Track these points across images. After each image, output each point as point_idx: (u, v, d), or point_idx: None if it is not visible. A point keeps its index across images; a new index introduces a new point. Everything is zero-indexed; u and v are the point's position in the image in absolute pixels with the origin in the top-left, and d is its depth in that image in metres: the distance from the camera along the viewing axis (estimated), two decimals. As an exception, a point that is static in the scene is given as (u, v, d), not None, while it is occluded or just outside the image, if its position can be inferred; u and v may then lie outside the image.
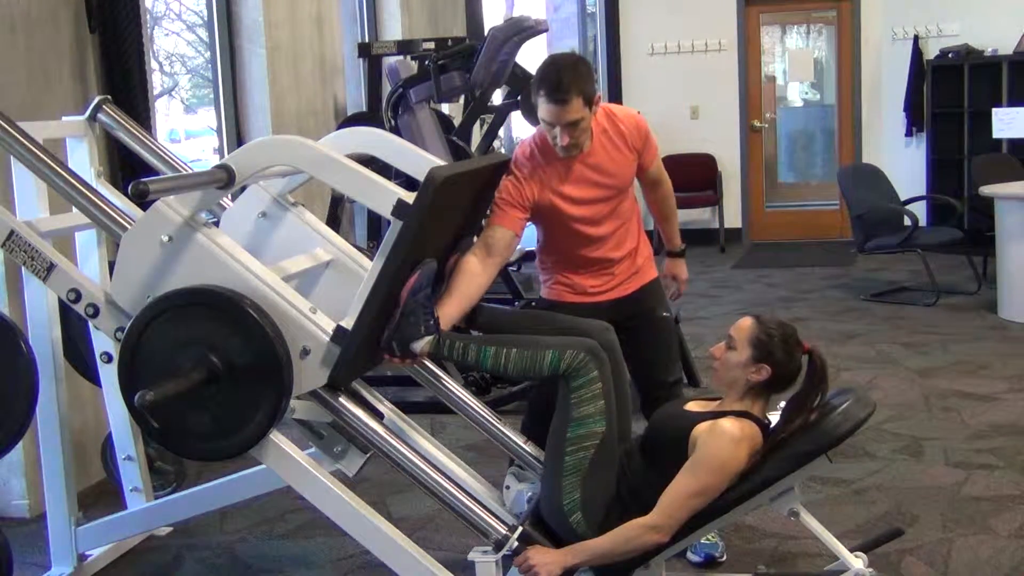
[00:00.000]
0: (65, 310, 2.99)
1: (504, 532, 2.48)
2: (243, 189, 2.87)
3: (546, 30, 5.45)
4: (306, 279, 2.79)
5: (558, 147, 2.91)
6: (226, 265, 2.45)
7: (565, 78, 2.80)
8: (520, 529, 2.51)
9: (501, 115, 6.10)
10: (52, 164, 2.71)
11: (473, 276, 2.79)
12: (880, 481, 3.74)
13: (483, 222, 3.00)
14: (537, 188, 2.95)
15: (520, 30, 5.02)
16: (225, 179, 2.45)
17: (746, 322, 2.57)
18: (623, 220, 3.11)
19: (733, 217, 9.61)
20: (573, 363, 2.52)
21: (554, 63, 2.86)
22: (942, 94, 8.63)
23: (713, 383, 2.66)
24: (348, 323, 2.44)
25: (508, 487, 2.77)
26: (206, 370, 2.38)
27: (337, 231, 3.10)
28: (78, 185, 2.68)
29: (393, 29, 7.58)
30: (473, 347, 2.59)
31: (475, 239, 2.96)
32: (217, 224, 2.82)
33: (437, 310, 2.61)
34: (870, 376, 5.10)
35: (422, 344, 2.55)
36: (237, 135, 5.60)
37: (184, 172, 3.02)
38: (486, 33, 5.18)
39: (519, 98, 5.47)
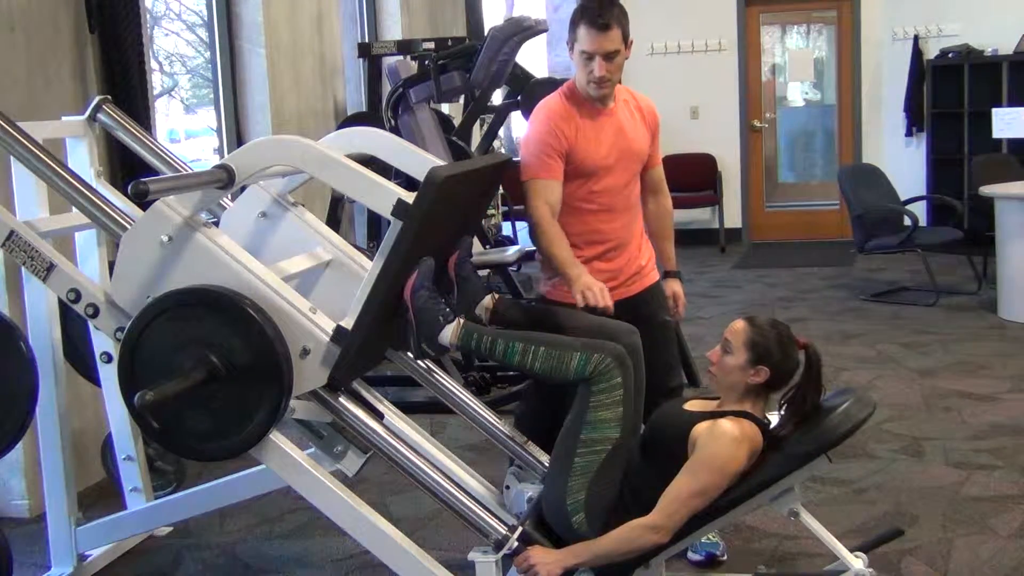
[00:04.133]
0: (65, 310, 2.99)
1: (504, 532, 2.48)
2: (243, 189, 2.87)
3: (546, 30, 5.45)
4: (306, 279, 2.79)
5: (591, 84, 2.94)
6: (226, 265, 2.45)
7: (608, 8, 2.90)
8: (520, 529, 2.51)
9: (501, 115, 6.10)
10: (52, 164, 2.71)
11: (559, 228, 2.94)
12: (880, 481, 3.74)
13: (483, 222, 3.00)
14: (572, 133, 2.97)
15: (520, 30, 5.02)
16: (225, 179, 2.45)
17: (739, 325, 2.57)
18: (632, 204, 3.15)
19: (733, 217, 9.61)
20: (599, 367, 2.48)
21: None
22: (942, 94, 8.63)
23: (711, 387, 2.65)
24: (348, 323, 2.44)
25: (508, 487, 2.77)
26: (206, 370, 2.38)
27: (337, 231, 3.10)
28: (78, 185, 2.68)
29: (393, 29, 7.59)
30: (501, 342, 2.55)
31: (475, 238, 2.96)
32: (217, 224, 2.83)
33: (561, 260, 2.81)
34: (870, 376, 5.10)
35: (448, 334, 2.54)
36: (237, 135, 5.60)
37: (184, 172, 3.02)
38: (486, 33, 5.18)
39: (519, 98, 5.48)
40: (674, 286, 3.34)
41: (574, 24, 2.93)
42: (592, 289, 2.76)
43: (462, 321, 2.56)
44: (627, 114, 3.09)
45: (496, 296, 2.79)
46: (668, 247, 3.34)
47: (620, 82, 3.04)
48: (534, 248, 3.19)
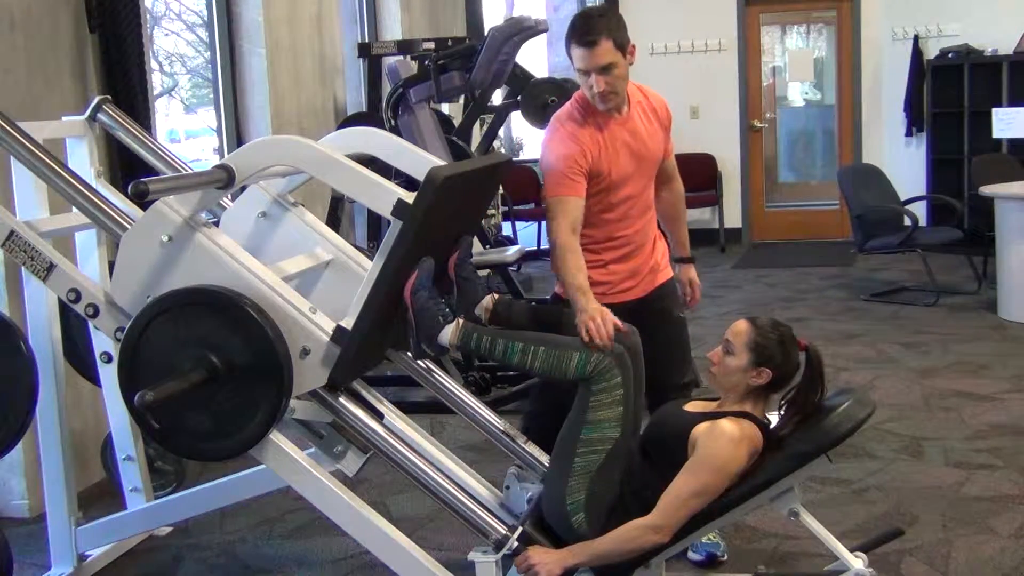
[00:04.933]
0: (65, 310, 2.99)
1: (504, 532, 2.48)
2: (243, 189, 2.87)
3: (546, 30, 5.45)
4: (306, 279, 2.79)
5: (596, 98, 2.92)
6: (226, 265, 2.45)
7: (594, 22, 2.86)
8: (520, 529, 2.51)
9: (501, 115, 6.10)
10: (52, 164, 2.71)
11: (579, 252, 2.86)
12: (880, 481, 3.74)
13: (483, 222, 2.98)
14: (596, 151, 2.95)
15: (520, 30, 5.02)
16: (225, 179, 2.45)
17: (742, 326, 2.56)
18: (649, 206, 3.13)
19: (733, 217, 9.61)
20: (599, 367, 2.49)
21: (584, 12, 2.94)
22: (942, 94, 8.63)
23: (712, 387, 2.65)
24: (348, 323, 2.44)
25: (508, 487, 2.77)
26: (206, 370, 2.38)
27: (337, 231, 3.10)
28: (78, 185, 2.68)
29: (393, 29, 7.59)
30: (501, 342, 2.55)
31: (475, 238, 2.95)
32: (217, 224, 2.83)
33: (571, 285, 2.73)
34: (870, 376, 5.10)
35: (448, 335, 2.54)
36: (237, 135, 5.60)
37: (184, 172, 3.02)
38: (486, 33, 5.19)
39: (519, 98, 5.48)
40: (689, 272, 3.34)
41: (566, 43, 2.91)
42: (596, 319, 2.58)
43: (461, 321, 2.56)
44: (642, 117, 3.06)
45: (496, 296, 2.79)
46: (682, 231, 3.35)
47: (626, 90, 2.99)
48: (534, 248, 3.19)
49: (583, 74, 2.90)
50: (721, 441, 2.43)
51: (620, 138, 3.00)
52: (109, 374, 3.18)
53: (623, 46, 2.89)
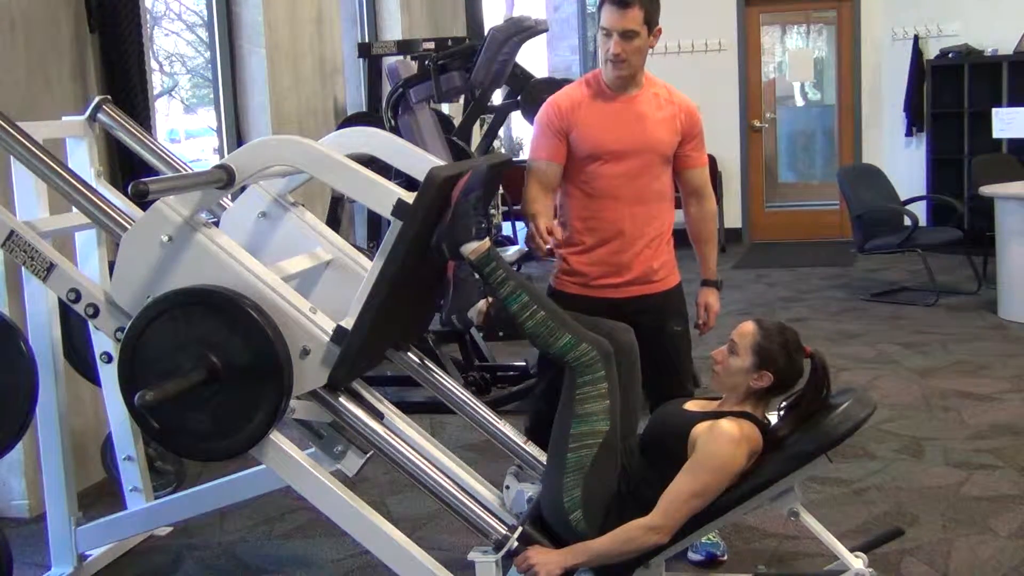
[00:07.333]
0: (65, 310, 2.99)
1: (504, 532, 2.48)
2: (243, 189, 2.87)
3: (546, 30, 5.44)
4: (306, 279, 2.79)
5: (608, 62, 2.98)
6: (226, 265, 2.45)
7: None
8: (520, 529, 2.51)
9: (501, 115, 6.09)
10: (52, 164, 2.71)
11: (541, 200, 3.03)
12: (880, 481, 3.74)
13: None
14: (575, 113, 3.02)
15: (520, 30, 5.01)
16: (225, 179, 2.45)
17: (748, 327, 2.56)
18: (646, 199, 3.07)
19: (733, 217, 9.61)
20: (583, 358, 2.49)
21: None
22: (942, 94, 8.63)
23: (713, 386, 2.65)
24: (348, 323, 2.44)
25: (508, 487, 2.77)
26: (206, 370, 2.38)
27: (337, 231, 3.10)
28: (78, 185, 2.68)
29: (393, 29, 7.59)
30: (511, 283, 2.53)
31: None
32: (217, 224, 2.83)
33: (530, 204, 2.96)
34: (870, 376, 5.10)
35: (472, 247, 2.53)
36: (237, 135, 5.60)
37: (184, 172, 3.02)
38: (486, 33, 5.18)
39: (519, 98, 5.48)
40: (708, 296, 3.28)
41: (600, 5, 2.98)
42: (540, 227, 2.93)
43: (489, 243, 2.55)
44: (654, 105, 3.06)
45: (491, 300, 2.79)
46: (707, 251, 3.28)
47: (639, 67, 3.03)
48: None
49: (604, 34, 2.97)
50: (721, 441, 2.43)
51: (617, 112, 3.03)
52: (109, 374, 3.18)
53: (651, 23, 2.96)
